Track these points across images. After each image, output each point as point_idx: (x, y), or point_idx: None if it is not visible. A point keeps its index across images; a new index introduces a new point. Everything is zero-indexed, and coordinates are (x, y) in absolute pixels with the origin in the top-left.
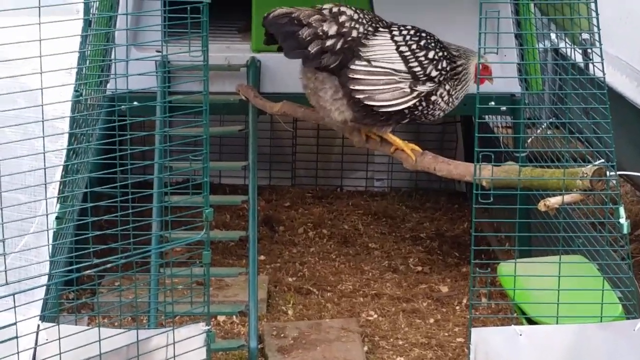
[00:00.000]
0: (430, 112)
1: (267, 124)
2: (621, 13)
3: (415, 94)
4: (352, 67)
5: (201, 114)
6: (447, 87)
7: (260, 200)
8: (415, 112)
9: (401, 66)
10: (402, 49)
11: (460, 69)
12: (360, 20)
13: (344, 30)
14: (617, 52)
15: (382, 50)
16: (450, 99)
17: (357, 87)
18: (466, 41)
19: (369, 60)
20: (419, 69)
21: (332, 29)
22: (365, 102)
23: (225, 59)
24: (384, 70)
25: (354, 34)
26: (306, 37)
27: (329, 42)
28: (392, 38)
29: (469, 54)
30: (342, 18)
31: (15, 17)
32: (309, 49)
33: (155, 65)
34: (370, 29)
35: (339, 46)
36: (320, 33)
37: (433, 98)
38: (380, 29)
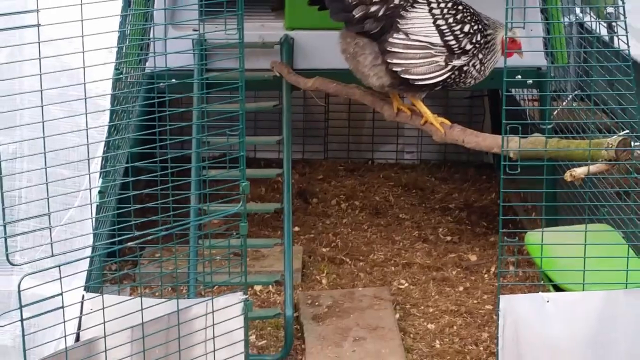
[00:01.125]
0: (462, 80)
1: (300, 100)
2: None
3: (449, 67)
4: (391, 40)
5: (237, 90)
6: (480, 56)
7: (294, 173)
8: (449, 81)
9: (437, 40)
10: (439, 22)
11: (489, 38)
12: None
13: None
14: None
15: (420, 23)
16: (482, 68)
17: (394, 61)
18: (496, 14)
19: (407, 34)
20: (454, 42)
21: None
22: (403, 76)
23: (260, 37)
24: (421, 44)
25: (396, 1)
26: (352, 1)
27: (372, 8)
28: (430, 11)
29: (497, 25)
30: None
31: None
32: (354, 13)
33: (192, 44)
34: None
35: (381, 13)
36: None
37: (465, 68)
38: (419, 1)
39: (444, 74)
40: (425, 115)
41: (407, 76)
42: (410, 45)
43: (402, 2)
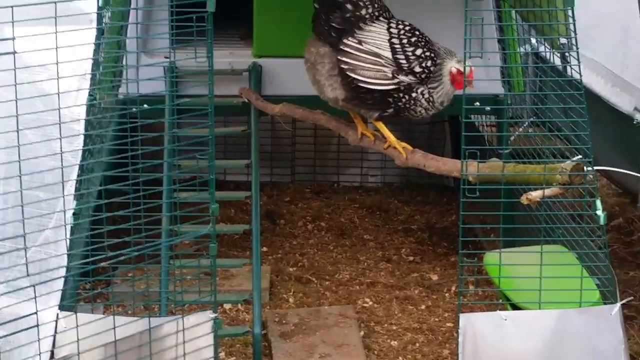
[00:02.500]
0: (412, 107)
1: (268, 124)
2: (595, 19)
3: (396, 80)
4: (345, 41)
5: (207, 115)
6: (430, 85)
7: (262, 195)
8: (399, 104)
9: (388, 54)
10: (394, 40)
11: (438, 67)
12: (372, 3)
13: (360, 3)
14: (593, 55)
15: (376, 36)
16: (431, 98)
17: (344, 59)
18: (456, 45)
19: (360, 41)
20: (404, 61)
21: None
22: (349, 74)
23: (229, 64)
24: (371, 52)
25: (363, 12)
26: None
27: (348, 6)
28: (387, 29)
29: (446, 56)
30: None
31: (34, 26)
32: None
33: (163, 71)
34: (375, 14)
35: (349, 14)
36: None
37: (414, 95)
38: (381, 18)
39: (389, 84)
40: (388, 139)
41: (354, 76)
42: (361, 50)
43: (366, 15)
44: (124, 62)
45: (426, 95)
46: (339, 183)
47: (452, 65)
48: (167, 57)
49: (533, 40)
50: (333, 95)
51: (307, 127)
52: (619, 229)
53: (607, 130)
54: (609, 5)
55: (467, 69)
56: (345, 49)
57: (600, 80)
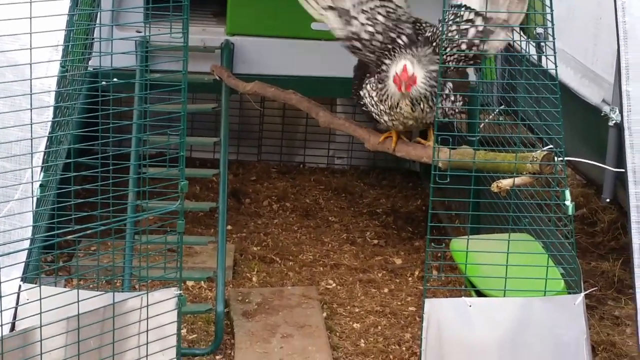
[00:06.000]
0: (363, 104)
1: (236, 103)
2: (567, 10)
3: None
4: None
5: (176, 91)
6: (373, 85)
7: (228, 173)
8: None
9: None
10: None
11: (385, 67)
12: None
13: None
14: (564, 46)
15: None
16: (373, 101)
17: None
18: None
19: None
20: (360, 19)
21: None
22: None
23: (201, 41)
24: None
25: None
26: None
27: None
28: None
29: (398, 59)
30: None
31: None
32: None
33: (135, 45)
34: None
35: None
36: None
37: (361, 93)
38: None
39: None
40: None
41: None
42: None
43: None
44: (95, 35)
45: (368, 98)
46: (305, 164)
47: (396, 70)
48: (139, 31)
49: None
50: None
51: (276, 107)
52: (582, 219)
53: (575, 122)
54: None
55: (400, 67)
56: None
57: (569, 71)
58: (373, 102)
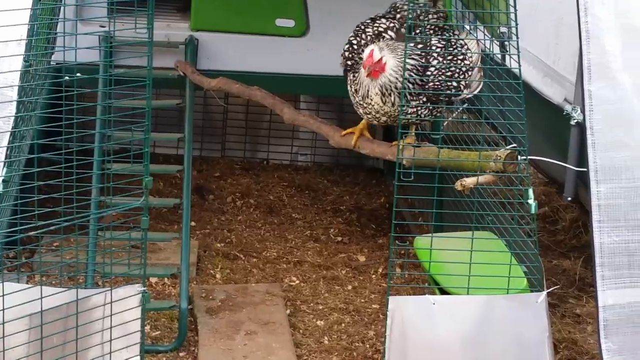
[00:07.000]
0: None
1: (200, 99)
2: (529, 9)
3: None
4: None
5: (140, 87)
6: (351, 75)
7: (192, 170)
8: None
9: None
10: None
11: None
12: None
13: None
14: (526, 45)
15: None
16: (351, 92)
17: None
18: None
19: None
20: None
21: None
22: None
23: (166, 36)
24: None
25: None
26: None
27: None
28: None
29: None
30: None
31: None
32: None
33: (98, 40)
34: None
35: None
36: None
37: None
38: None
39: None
40: None
41: None
42: None
43: None
44: (59, 29)
45: (350, 85)
46: (269, 160)
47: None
48: (102, 26)
49: (469, 27)
50: None
51: (239, 103)
52: (544, 217)
53: (537, 121)
54: None
55: (367, 52)
56: None
57: (532, 70)
58: (352, 93)
